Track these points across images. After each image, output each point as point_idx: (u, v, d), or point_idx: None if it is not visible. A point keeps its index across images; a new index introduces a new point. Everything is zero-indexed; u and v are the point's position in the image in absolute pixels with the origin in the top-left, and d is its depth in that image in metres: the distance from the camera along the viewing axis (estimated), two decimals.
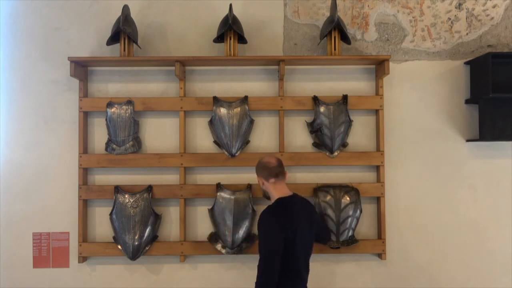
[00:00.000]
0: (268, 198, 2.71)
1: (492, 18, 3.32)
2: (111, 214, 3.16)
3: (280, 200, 2.63)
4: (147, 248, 3.16)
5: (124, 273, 3.25)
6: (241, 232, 3.11)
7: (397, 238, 3.25)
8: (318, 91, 3.26)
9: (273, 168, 2.64)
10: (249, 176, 3.19)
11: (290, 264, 2.53)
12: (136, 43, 3.17)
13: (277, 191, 2.64)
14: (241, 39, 3.17)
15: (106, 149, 3.22)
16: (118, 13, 3.13)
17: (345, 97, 3.21)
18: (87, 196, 3.20)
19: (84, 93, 3.23)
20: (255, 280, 2.50)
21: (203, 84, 3.29)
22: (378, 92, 3.24)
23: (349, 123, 3.22)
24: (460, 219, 3.27)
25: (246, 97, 3.22)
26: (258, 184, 2.74)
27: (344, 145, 3.23)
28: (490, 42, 3.32)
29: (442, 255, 3.27)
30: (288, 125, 3.26)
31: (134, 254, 3.13)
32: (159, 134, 3.28)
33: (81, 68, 3.18)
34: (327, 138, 3.19)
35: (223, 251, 3.13)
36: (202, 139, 3.28)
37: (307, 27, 3.31)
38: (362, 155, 3.22)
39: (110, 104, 3.20)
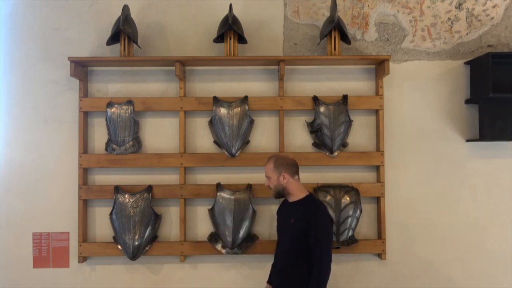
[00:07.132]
0: (281, 196, 2.69)
1: (492, 18, 3.32)
2: (111, 214, 3.16)
3: (315, 197, 2.74)
4: (147, 248, 3.16)
5: (124, 273, 3.25)
6: (241, 232, 3.11)
7: (397, 238, 3.25)
8: (318, 91, 3.26)
9: (297, 166, 2.70)
10: (249, 176, 3.20)
11: None
12: (136, 43, 3.17)
13: (300, 188, 2.68)
14: (241, 39, 3.16)
15: (106, 149, 3.22)
16: (118, 13, 3.13)
17: (345, 97, 3.21)
18: (87, 196, 3.20)
19: (84, 93, 3.23)
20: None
21: (203, 84, 3.29)
22: (378, 92, 3.24)
23: (349, 123, 3.22)
24: (460, 219, 3.27)
25: (246, 97, 3.21)
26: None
27: (344, 145, 3.23)
28: (490, 42, 3.32)
29: (442, 255, 3.26)
30: (288, 125, 3.26)
31: (134, 254, 3.13)
32: (159, 134, 3.28)
33: (81, 68, 3.18)
34: (327, 138, 3.19)
35: (223, 251, 3.13)
36: (202, 139, 3.28)
37: (307, 27, 3.31)
38: (362, 155, 3.22)
39: (110, 104, 3.20)
